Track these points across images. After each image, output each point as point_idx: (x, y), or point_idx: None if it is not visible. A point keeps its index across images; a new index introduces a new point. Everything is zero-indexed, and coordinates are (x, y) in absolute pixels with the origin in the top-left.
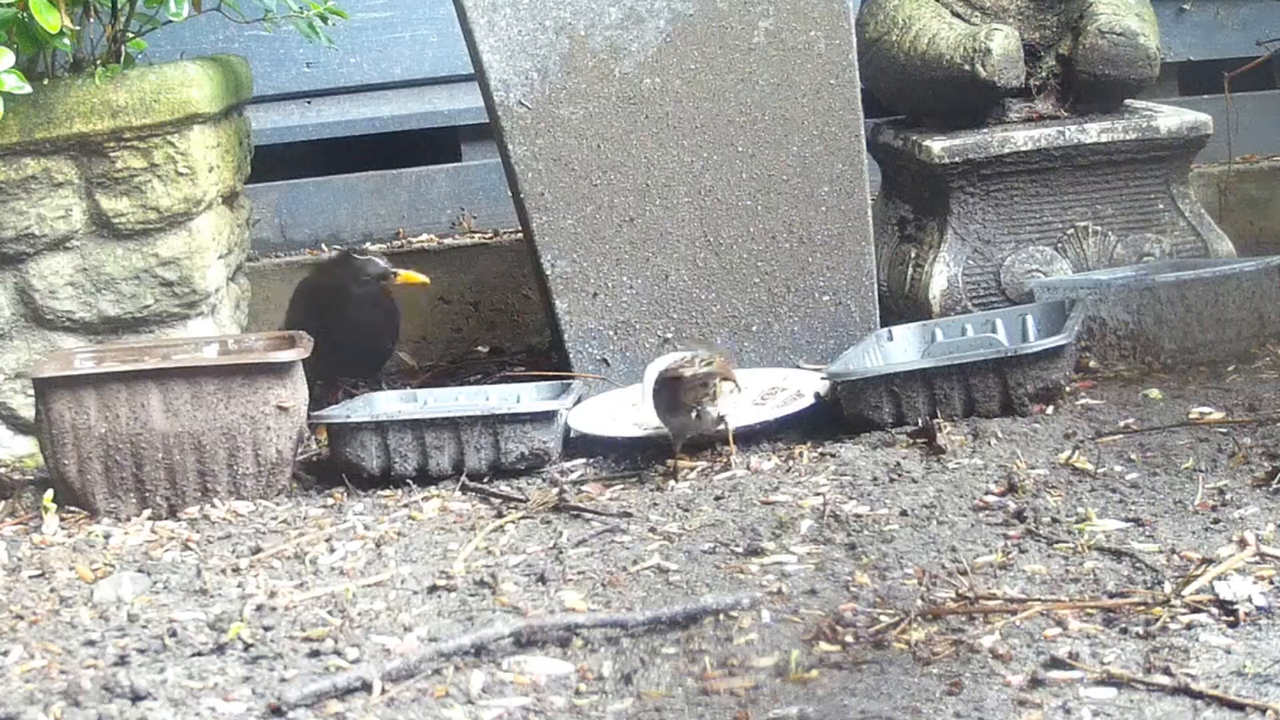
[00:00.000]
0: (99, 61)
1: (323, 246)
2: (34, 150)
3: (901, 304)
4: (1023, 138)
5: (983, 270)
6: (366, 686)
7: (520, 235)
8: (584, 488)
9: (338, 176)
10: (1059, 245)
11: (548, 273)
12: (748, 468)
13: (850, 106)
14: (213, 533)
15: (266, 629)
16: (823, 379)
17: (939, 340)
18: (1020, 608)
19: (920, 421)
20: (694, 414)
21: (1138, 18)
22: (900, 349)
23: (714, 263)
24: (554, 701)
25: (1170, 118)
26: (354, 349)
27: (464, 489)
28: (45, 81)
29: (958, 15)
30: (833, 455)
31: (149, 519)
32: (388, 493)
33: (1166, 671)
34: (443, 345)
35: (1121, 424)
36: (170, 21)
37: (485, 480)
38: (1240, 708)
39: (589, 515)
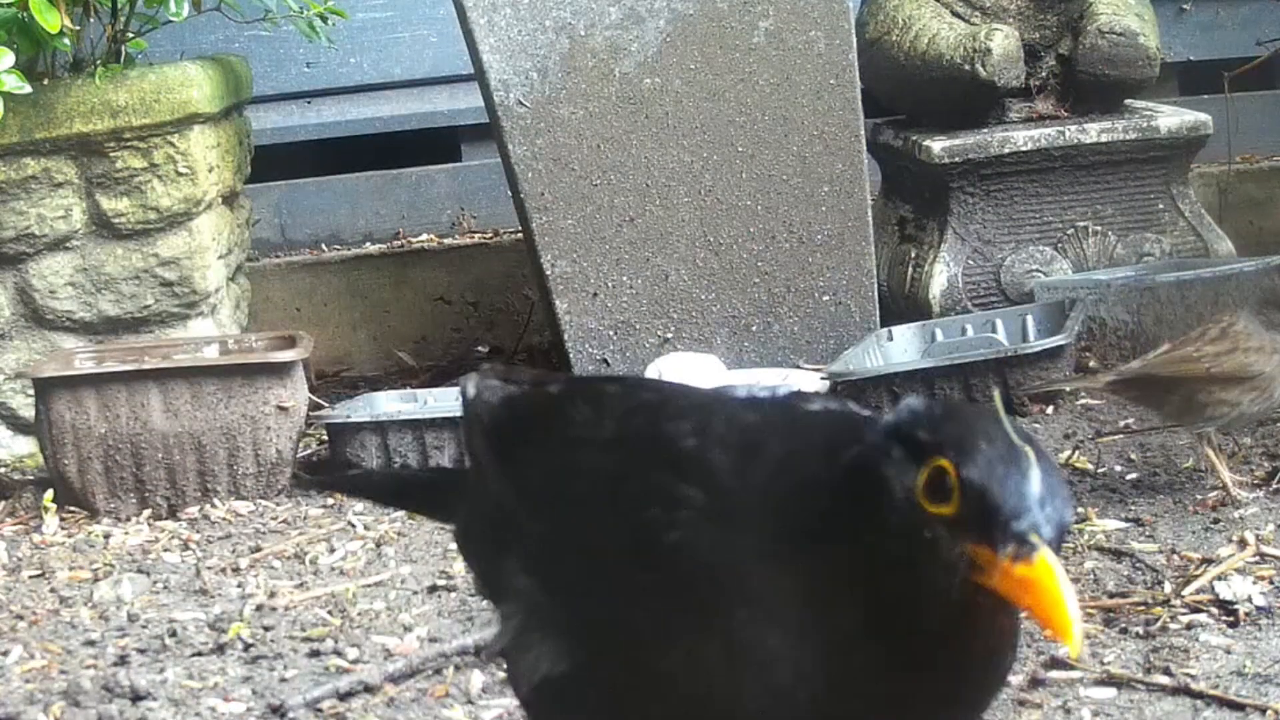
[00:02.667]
0: (99, 61)
1: (323, 246)
2: (34, 150)
3: (901, 304)
4: (1023, 138)
5: (983, 270)
6: (367, 686)
7: (520, 235)
8: None
9: (338, 176)
10: (1059, 245)
11: (548, 273)
12: None
13: (850, 106)
14: (213, 533)
15: (266, 629)
16: (823, 379)
17: (939, 340)
18: None
19: None
20: None
21: (1138, 18)
22: (900, 349)
23: (714, 263)
24: None
25: (1170, 118)
26: None
27: None
28: (45, 81)
29: (958, 15)
30: None
31: (149, 519)
32: None
33: (1166, 671)
34: (443, 345)
35: (1121, 424)
36: (170, 21)
37: None
38: (1240, 708)
39: None
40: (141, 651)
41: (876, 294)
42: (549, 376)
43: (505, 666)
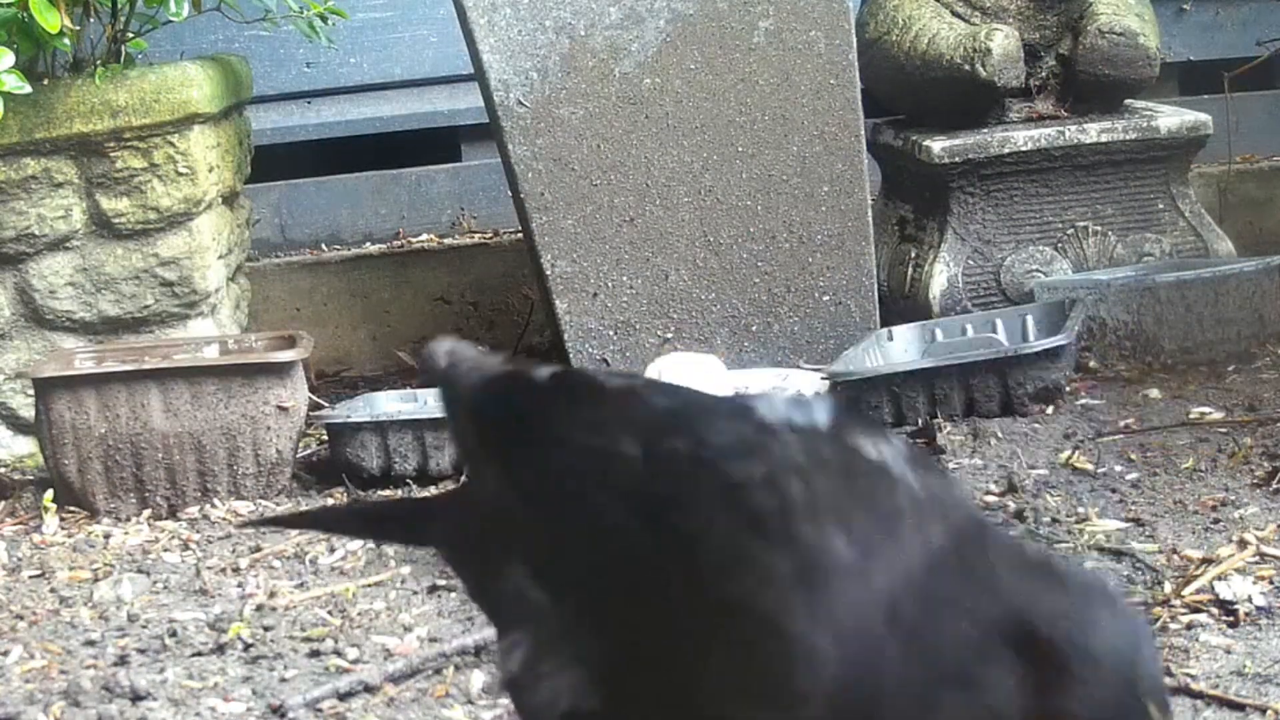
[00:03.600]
0: (99, 61)
1: (323, 246)
2: (34, 150)
3: (901, 304)
4: (1023, 138)
5: (983, 270)
6: (367, 686)
7: (520, 235)
8: None
9: (338, 176)
10: (1059, 245)
11: (548, 273)
12: None
13: (850, 106)
14: (213, 533)
15: (266, 629)
16: (823, 379)
17: (939, 340)
18: None
19: (920, 421)
20: None
21: (1138, 18)
22: (900, 349)
23: (714, 263)
24: None
25: (1170, 118)
26: None
27: None
28: (45, 81)
29: (958, 15)
30: None
31: (149, 519)
32: (388, 493)
33: (1166, 672)
34: None
35: (1121, 424)
36: (170, 21)
37: None
38: (1240, 708)
39: None
40: (141, 651)
41: (876, 294)
42: (525, 362)
43: (512, 698)
